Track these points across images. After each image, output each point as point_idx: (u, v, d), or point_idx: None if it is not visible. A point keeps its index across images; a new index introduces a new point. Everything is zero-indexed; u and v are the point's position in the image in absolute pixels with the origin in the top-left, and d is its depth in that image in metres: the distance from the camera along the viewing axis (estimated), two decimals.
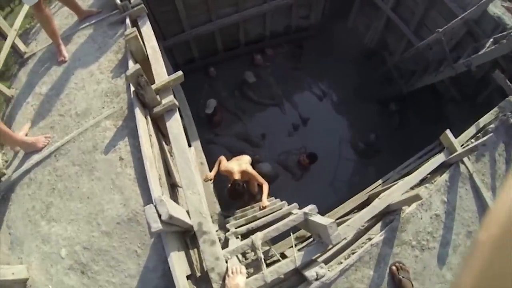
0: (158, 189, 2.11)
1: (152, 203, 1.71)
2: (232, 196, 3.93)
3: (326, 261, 2.37)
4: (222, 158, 4.17)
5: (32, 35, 3.81)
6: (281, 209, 3.43)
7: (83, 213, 2.34)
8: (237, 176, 3.96)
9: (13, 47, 3.44)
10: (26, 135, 2.85)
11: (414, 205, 2.67)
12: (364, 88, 6.67)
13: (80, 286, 2.09)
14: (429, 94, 5.89)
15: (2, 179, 2.65)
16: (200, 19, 5.90)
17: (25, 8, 3.77)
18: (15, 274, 2.09)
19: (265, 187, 3.91)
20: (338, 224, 2.25)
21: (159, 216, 1.65)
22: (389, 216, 2.63)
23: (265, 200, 3.76)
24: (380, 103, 6.59)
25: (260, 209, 3.67)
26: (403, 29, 5.91)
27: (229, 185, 3.96)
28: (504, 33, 4.05)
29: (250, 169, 4.10)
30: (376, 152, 6.07)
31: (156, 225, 1.64)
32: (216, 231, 3.07)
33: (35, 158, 2.66)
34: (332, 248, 2.49)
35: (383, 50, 6.89)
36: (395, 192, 2.63)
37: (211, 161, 4.35)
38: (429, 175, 3.07)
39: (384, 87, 6.60)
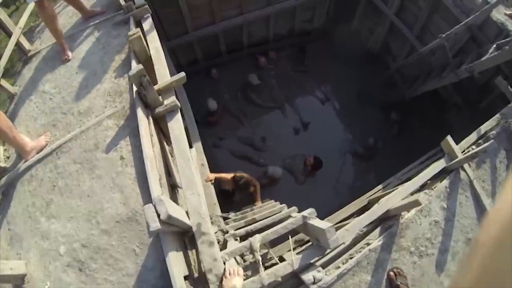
0: (158, 189, 2.11)
1: (152, 203, 1.71)
2: (222, 194, 4.57)
3: (324, 265, 2.36)
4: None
5: (36, 33, 3.84)
6: (280, 212, 3.43)
7: (83, 211, 2.35)
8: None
9: (18, 44, 3.47)
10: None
11: (413, 211, 2.67)
12: (367, 93, 6.65)
13: (78, 284, 2.10)
14: (432, 100, 5.86)
15: (4, 175, 2.67)
16: (204, 21, 5.91)
17: (30, 6, 3.80)
18: (13, 269, 2.10)
19: (257, 187, 4.65)
20: (337, 228, 2.25)
21: (158, 215, 1.66)
22: (388, 222, 2.63)
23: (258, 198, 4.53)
24: (382, 108, 6.58)
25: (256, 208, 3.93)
26: (406, 34, 5.89)
27: (229, 178, 4.52)
28: (507, 39, 4.02)
29: (245, 174, 4.65)
30: (374, 154, 6.06)
31: (155, 225, 1.64)
32: (215, 233, 3.07)
33: (37, 155, 2.67)
34: (330, 252, 2.48)
35: (386, 55, 6.87)
36: (394, 197, 2.62)
37: (213, 164, 4.39)
38: (429, 181, 3.05)
39: (387, 92, 6.58)
